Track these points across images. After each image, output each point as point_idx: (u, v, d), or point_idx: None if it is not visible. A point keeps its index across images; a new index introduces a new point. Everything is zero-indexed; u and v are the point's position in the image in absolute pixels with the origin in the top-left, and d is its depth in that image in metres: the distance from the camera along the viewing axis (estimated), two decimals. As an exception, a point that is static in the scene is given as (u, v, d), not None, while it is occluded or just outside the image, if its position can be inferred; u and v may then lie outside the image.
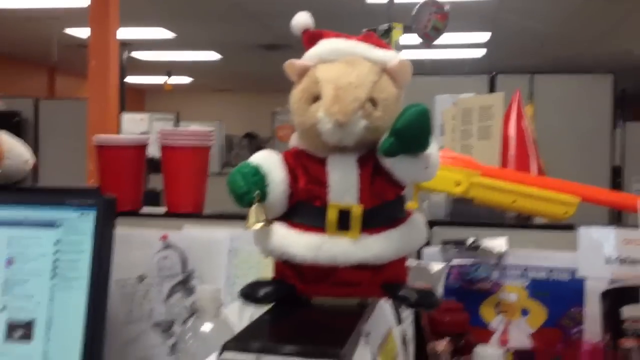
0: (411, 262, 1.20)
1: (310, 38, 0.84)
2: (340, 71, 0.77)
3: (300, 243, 0.78)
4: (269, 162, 0.81)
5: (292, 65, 0.81)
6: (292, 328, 0.75)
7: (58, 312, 1.07)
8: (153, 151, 1.48)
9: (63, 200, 1.11)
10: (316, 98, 0.77)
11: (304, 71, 0.81)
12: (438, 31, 5.64)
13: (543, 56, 9.69)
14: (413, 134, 0.74)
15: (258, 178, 0.79)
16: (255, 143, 12.81)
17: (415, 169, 0.78)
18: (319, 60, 0.81)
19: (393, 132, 0.74)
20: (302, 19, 0.85)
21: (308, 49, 0.84)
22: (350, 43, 0.82)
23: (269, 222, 0.80)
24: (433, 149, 0.78)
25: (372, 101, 0.77)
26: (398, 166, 0.77)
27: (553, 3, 6.79)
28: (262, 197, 0.78)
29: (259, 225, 0.78)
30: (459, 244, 1.29)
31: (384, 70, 0.79)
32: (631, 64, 10.04)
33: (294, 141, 0.84)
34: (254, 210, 0.78)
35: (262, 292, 0.80)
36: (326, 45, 0.82)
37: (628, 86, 10.65)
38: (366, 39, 0.83)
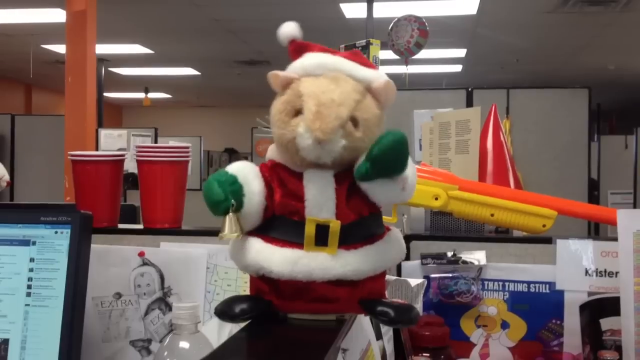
0: (390, 277, 1.20)
1: (297, 49, 0.83)
2: (324, 87, 0.76)
3: (277, 258, 0.77)
4: (246, 172, 0.80)
5: (276, 76, 0.80)
6: (269, 345, 0.74)
7: (33, 331, 1.05)
8: (131, 167, 1.47)
9: (38, 217, 1.09)
10: (298, 112, 0.76)
11: (287, 83, 0.79)
12: (419, 47, 5.68)
13: (519, 71, 9.80)
14: (389, 161, 0.74)
15: (235, 187, 0.77)
16: (235, 158, 12.79)
17: (391, 191, 0.77)
18: (303, 73, 0.79)
19: (369, 158, 0.74)
20: (289, 29, 0.83)
21: (294, 59, 0.82)
22: (336, 59, 0.81)
23: (243, 232, 0.78)
24: (410, 171, 0.77)
25: (354, 120, 0.75)
26: (374, 189, 0.77)
27: (528, 20, 6.88)
28: (238, 207, 0.77)
29: (234, 235, 0.77)
30: (439, 257, 1.29)
31: (368, 89, 0.78)
32: (606, 79, 10.20)
33: (271, 153, 0.83)
34: (228, 220, 0.77)
35: (237, 309, 0.78)
36: (312, 59, 0.81)
37: (603, 100, 10.81)
38: (352, 56, 0.82)
